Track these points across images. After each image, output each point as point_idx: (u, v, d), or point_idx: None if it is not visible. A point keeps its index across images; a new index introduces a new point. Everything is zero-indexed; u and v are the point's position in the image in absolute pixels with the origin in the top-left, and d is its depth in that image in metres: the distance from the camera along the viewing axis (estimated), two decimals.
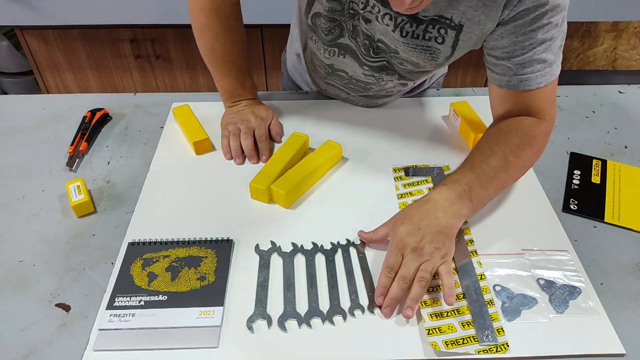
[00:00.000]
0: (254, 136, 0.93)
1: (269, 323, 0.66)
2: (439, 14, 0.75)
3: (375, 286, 0.70)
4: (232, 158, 0.92)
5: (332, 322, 0.66)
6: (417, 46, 0.79)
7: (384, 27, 0.79)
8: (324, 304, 0.68)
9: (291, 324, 0.66)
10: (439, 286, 0.70)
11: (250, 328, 0.65)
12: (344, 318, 0.66)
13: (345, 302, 0.68)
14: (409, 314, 0.65)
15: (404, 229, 0.71)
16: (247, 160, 0.92)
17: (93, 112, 1.01)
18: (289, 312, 0.67)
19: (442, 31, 0.77)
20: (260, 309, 0.67)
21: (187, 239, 0.76)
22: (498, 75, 0.79)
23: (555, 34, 0.72)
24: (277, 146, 0.95)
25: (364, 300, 0.69)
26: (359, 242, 0.76)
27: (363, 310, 0.67)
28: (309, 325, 0.66)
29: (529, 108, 0.79)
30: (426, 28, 0.77)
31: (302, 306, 0.68)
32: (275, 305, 0.68)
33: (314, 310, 0.67)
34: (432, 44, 0.78)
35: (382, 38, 0.82)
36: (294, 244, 0.76)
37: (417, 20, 0.76)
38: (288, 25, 1.11)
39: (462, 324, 0.65)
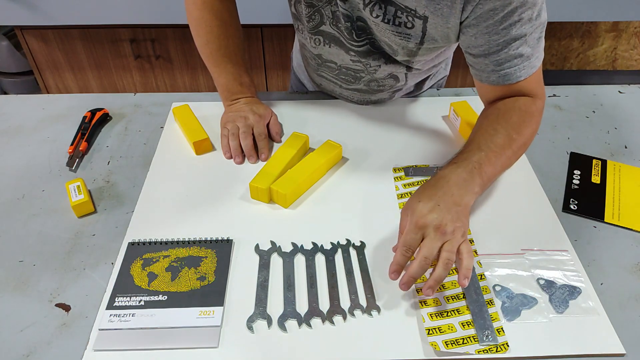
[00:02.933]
0: (253, 135, 0.93)
1: (269, 323, 0.66)
2: (404, 3, 0.76)
3: (377, 285, 0.70)
4: (231, 157, 0.92)
5: (332, 322, 0.66)
6: (387, 29, 0.81)
7: (356, 3, 0.80)
8: (324, 304, 0.68)
9: (291, 324, 0.66)
10: (440, 286, 0.70)
11: (250, 328, 0.65)
12: (344, 318, 0.66)
13: (345, 302, 0.68)
14: (429, 293, 0.64)
15: (423, 206, 0.68)
16: (247, 159, 0.92)
17: (93, 112, 1.01)
18: (289, 312, 0.67)
19: (410, 18, 0.78)
20: (260, 309, 0.67)
21: (187, 239, 0.76)
22: (478, 72, 0.80)
23: (529, 29, 0.72)
24: (277, 146, 0.95)
25: (363, 300, 0.69)
26: (358, 244, 0.76)
27: (363, 311, 0.67)
28: (309, 325, 0.66)
29: (517, 94, 0.80)
30: (395, 13, 0.78)
31: (302, 306, 0.68)
32: (275, 305, 0.68)
33: (314, 310, 0.67)
34: (403, 29, 0.80)
35: (360, 15, 0.82)
36: (294, 244, 0.76)
37: (385, 1, 0.77)
38: (288, 25, 1.11)
39: (462, 324, 0.65)
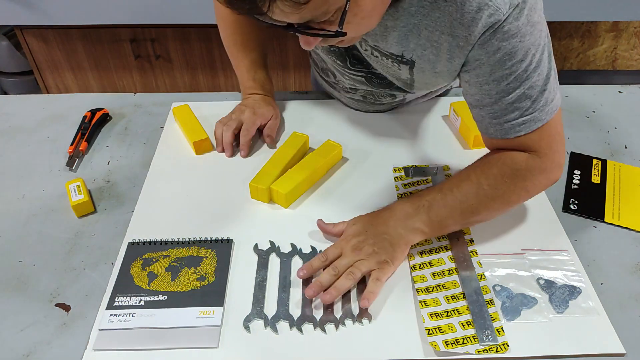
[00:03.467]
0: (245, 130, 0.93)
1: (266, 323, 0.66)
2: (389, 50, 0.75)
3: None
4: (224, 150, 0.93)
5: (323, 330, 0.65)
6: (380, 62, 0.80)
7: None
8: (317, 311, 0.68)
9: (283, 325, 0.66)
10: (439, 286, 0.70)
11: (246, 328, 0.65)
12: (336, 327, 0.66)
13: (338, 311, 0.68)
14: (326, 299, 0.66)
15: (353, 229, 0.73)
16: (246, 159, 0.92)
17: (93, 112, 1.01)
18: (282, 313, 0.67)
19: (396, 64, 0.78)
20: (258, 308, 0.67)
21: (187, 239, 0.76)
22: (478, 123, 0.75)
23: (525, 81, 0.67)
24: (277, 146, 0.95)
25: (356, 307, 0.68)
26: None
27: (354, 320, 0.66)
28: (300, 330, 0.65)
29: (519, 148, 0.73)
30: (381, 58, 0.78)
31: (295, 308, 0.68)
32: (272, 305, 0.68)
33: (306, 316, 0.67)
34: (389, 68, 0.80)
35: (355, 50, 0.82)
36: (292, 245, 0.76)
37: (371, 47, 0.77)
38: None
39: (462, 324, 0.65)
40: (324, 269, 0.70)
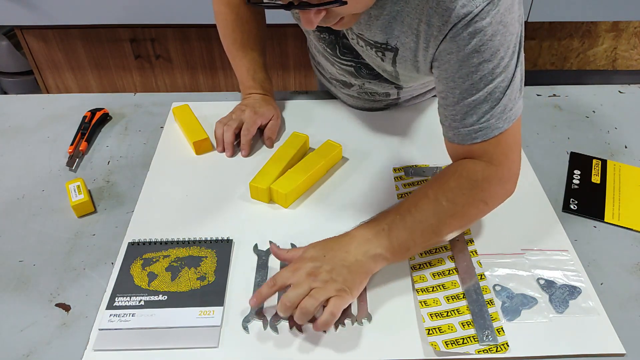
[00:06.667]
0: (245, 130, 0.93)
1: (265, 324, 0.66)
2: (373, 39, 0.75)
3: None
4: (224, 150, 0.93)
5: (323, 330, 0.65)
6: (365, 57, 0.80)
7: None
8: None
9: (284, 325, 0.66)
10: (439, 286, 0.70)
11: (245, 328, 0.65)
12: (336, 327, 0.66)
13: None
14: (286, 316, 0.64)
15: (310, 252, 0.67)
16: (246, 159, 0.92)
17: (93, 112, 1.01)
18: None
19: (380, 54, 0.77)
20: (257, 309, 0.67)
21: (187, 239, 0.76)
22: (442, 126, 0.73)
23: (489, 83, 0.65)
24: (277, 146, 0.95)
25: (355, 308, 0.68)
26: None
27: (353, 321, 0.66)
28: (300, 330, 0.65)
29: (476, 157, 0.71)
30: (365, 48, 0.78)
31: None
32: (272, 306, 0.68)
33: None
34: (374, 59, 0.80)
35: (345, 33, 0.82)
36: (293, 245, 0.76)
37: (357, 36, 0.77)
38: (288, 25, 1.11)
39: (462, 323, 0.65)
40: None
